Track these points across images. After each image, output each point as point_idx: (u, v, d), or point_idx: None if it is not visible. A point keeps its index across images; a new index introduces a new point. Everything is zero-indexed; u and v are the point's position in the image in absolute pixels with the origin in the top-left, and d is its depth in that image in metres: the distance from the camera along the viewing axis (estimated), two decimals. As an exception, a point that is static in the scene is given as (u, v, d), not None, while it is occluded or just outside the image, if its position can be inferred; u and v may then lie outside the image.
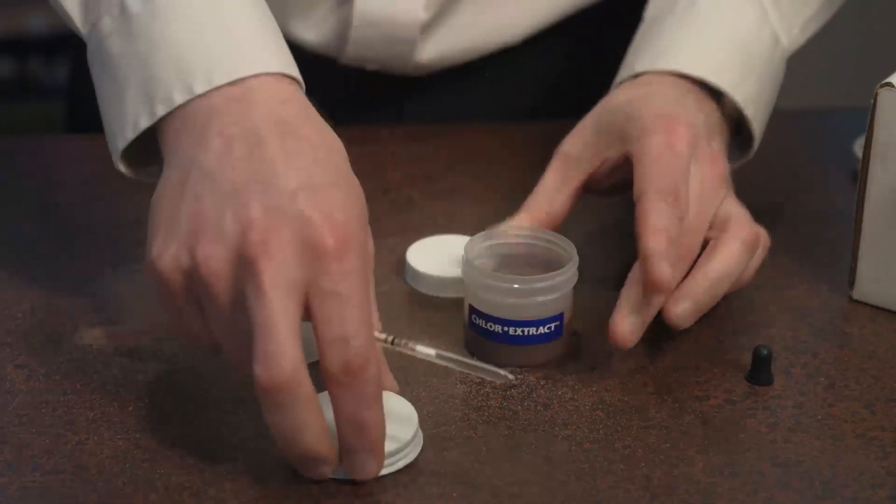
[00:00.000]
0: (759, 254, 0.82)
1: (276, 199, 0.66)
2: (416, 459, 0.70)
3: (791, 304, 0.85)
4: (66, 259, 0.87)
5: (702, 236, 0.80)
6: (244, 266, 0.65)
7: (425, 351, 0.70)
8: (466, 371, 0.72)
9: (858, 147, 0.94)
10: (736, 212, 0.81)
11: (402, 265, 0.87)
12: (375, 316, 0.71)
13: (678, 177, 0.79)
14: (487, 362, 0.78)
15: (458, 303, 0.81)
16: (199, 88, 0.70)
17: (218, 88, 0.69)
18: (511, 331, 0.77)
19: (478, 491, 0.69)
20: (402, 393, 0.73)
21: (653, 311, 0.77)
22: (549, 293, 0.77)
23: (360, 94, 1.05)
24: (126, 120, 0.72)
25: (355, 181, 0.69)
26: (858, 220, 0.84)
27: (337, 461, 0.67)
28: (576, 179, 0.84)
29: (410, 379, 0.76)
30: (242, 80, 0.70)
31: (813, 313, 0.84)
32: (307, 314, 0.65)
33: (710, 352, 0.80)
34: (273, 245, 0.64)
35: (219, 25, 0.71)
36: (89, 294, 0.83)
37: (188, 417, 0.73)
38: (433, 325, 0.81)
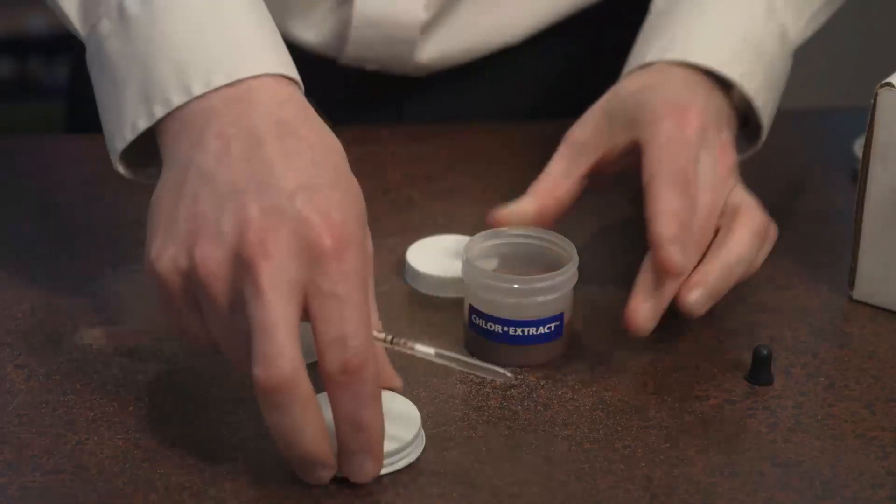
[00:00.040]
0: (768, 244, 0.82)
1: (274, 200, 0.66)
2: (416, 459, 0.70)
3: (791, 304, 0.85)
4: (66, 259, 0.87)
5: (714, 224, 0.80)
6: (242, 267, 0.65)
7: (424, 350, 0.70)
8: (466, 370, 0.72)
9: (858, 147, 0.94)
10: (746, 200, 0.81)
11: (402, 265, 0.87)
12: (375, 316, 0.71)
13: (688, 163, 0.79)
14: (487, 362, 0.78)
15: (458, 303, 0.81)
16: (198, 90, 0.70)
17: (216, 90, 0.69)
18: (511, 331, 0.77)
19: (478, 491, 0.69)
20: (402, 393, 0.73)
21: (668, 297, 0.77)
22: (549, 293, 0.77)
23: (359, 94, 1.05)
24: (125, 121, 0.72)
25: (354, 181, 0.69)
26: (858, 220, 0.84)
27: (336, 465, 0.67)
28: (583, 165, 0.84)
29: (410, 379, 0.76)
30: (241, 81, 0.70)
31: (813, 313, 0.84)
32: (306, 315, 0.65)
33: (710, 352, 0.80)
34: (271, 245, 0.64)
35: (217, 27, 0.71)
36: (89, 294, 0.83)
37: (188, 417, 0.73)
38: (433, 325, 0.81)
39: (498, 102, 1.07)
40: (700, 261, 0.79)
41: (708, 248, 0.80)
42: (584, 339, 0.81)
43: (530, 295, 0.77)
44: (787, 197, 0.98)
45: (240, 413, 0.73)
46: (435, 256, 0.86)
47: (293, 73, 0.72)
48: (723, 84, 0.86)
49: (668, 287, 0.77)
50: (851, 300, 0.85)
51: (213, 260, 0.65)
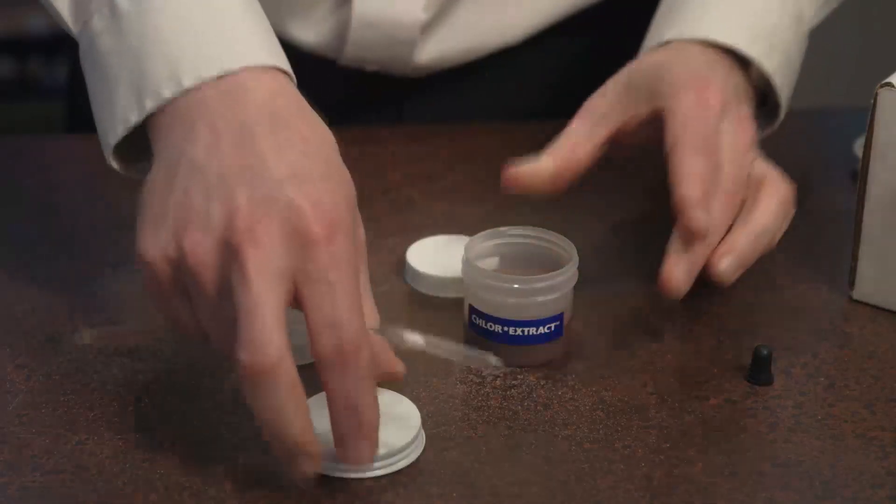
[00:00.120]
0: (789, 216, 0.83)
1: (263, 188, 0.66)
2: (416, 459, 0.70)
3: (791, 304, 0.85)
4: (66, 259, 0.87)
5: (741, 193, 0.81)
6: (230, 254, 0.65)
7: (413, 338, 0.70)
8: (455, 358, 0.72)
9: (858, 147, 0.94)
10: (770, 171, 0.83)
11: (402, 265, 0.87)
12: (370, 303, 0.71)
13: (710, 132, 0.80)
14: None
15: (458, 303, 0.81)
16: (188, 82, 0.69)
17: (207, 82, 0.69)
18: (511, 331, 0.77)
19: (478, 491, 0.69)
20: (402, 393, 0.73)
21: (699, 260, 0.78)
22: (549, 293, 0.77)
23: (359, 94, 1.05)
24: (116, 116, 0.72)
25: (345, 172, 0.69)
26: (858, 220, 0.84)
27: (320, 458, 0.67)
28: (603, 132, 0.84)
29: (410, 379, 0.76)
30: (232, 73, 0.70)
31: (813, 313, 0.84)
32: (297, 304, 0.65)
33: (710, 352, 0.80)
34: (259, 232, 0.64)
35: (208, 20, 0.71)
36: (89, 294, 0.83)
37: (188, 417, 0.73)
38: (433, 325, 0.81)
39: (498, 102, 1.07)
40: (728, 230, 0.80)
41: (736, 217, 0.81)
42: (584, 339, 0.81)
43: (530, 295, 0.77)
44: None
45: (240, 413, 0.73)
46: (435, 256, 0.86)
47: (285, 65, 0.72)
48: (741, 63, 0.86)
49: (698, 250, 0.78)
50: (851, 300, 0.85)
51: (201, 248, 0.65)
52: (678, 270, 0.78)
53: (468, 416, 0.74)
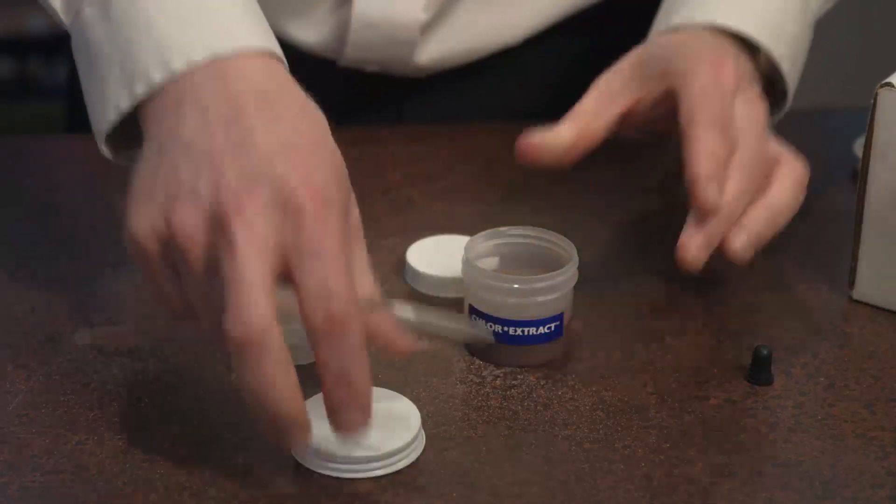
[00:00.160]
0: (802, 197, 0.83)
1: (251, 162, 0.66)
2: (416, 459, 0.70)
3: (791, 304, 0.85)
4: (66, 259, 0.87)
5: (758, 171, 0.81)
6: (218, 227, 0.64)
7: (403, 311, 0.69)
8: (445, 332, 0.71)
9: (858, 147, 0.94)
10: (784, 151, 0.83)
11: (402, 265, 0.86)
12: (370, 279, 0.70)
13: (725, 109, 0.80)
14: (487, 362, 0.78)
15: (458, 303, 0.81)
16: (178, 65, 0.69)
17: (197, 66, 0.69)
18: (511, 331, 0.77)
19: (478, 491, 0.69)
20: (402, 393, 0.73)
21: (716, 234, 0.79)
22: (549, 293, 0.77)
23: (359, 95, 1.05)
24: (108, 103, 0.72)
25: (335, 149, 0.69)
26: (858, 220, 0.84)
27: (310, 426, 0.66)
28: (616, 108, 0.84)
29: (410, 379, 0.76)
30: (222, 56, 0.70)
31: (813, 313, 0.84)
32: (288, 281, 0.65)
33: (710, 352, 0.80)
34: (247, 206, 0.64)
35: (198, 5, 0.71)
36: (89, 294, 0.83)
37: (188, 417, 0.73)
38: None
39: (498, 103, 1.07)
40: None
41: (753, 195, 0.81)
42: (584, 339, 0.81)
43: (530, 295, 0.77)
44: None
45: (240, 413, 0.73)
46: (435, 256, 0.86)
47: (275, 48, 0.72)
48: (749, 49, 0.86)
49: (714, 225, 0.78)
50: (851, 300, 0.85)
51: (189, 222, 0.65)
52: (693, 243, 0.78)
53: (468, 416, 0.74)
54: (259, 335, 0.63)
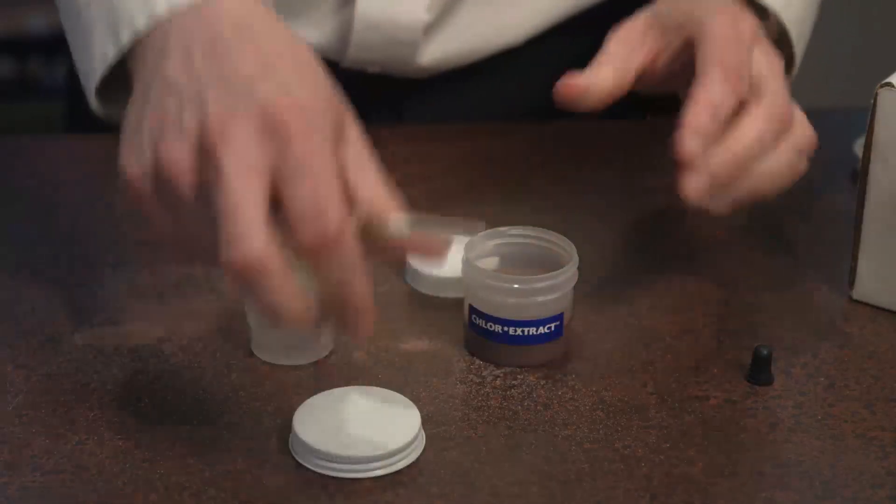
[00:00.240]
0: (795, 138, 0.81)
1: (233, 89, 0.65)
2: (416, 459, 0.70)
3: (791, 304, 0.85)
4: (66, 259, 0.87)
5: (784, 118, 0.79)
6: (205, 157, 0.64)
7: (397, 223, 0.68)
8: (439, 230, 0.70)
9: (858, 147, 0.94)
10: (799, 112, 0.81)
11: (402, 265, 0.86)
12: (385, 192, 0.69)
13: (742, 59, 0.79)
14: (487, 362, 0.78)
15: (458, 303, 0.81)
16: (161, 10, 0.69)
17: (180, 9, 0.69)
18: (511, 331, 0.77)
19: (478, 491, 0.69)
20: (402, 393, 0.73)
21: (724, 173, 0.77)
22: (549, 293, 0.77)
23: (360, 95, 1.05)
24: (95, 56, 0.72)
25: (319, 67, 0.69)
26: (858, 220, 0.84)
27: (317, 321, 0.66)
28: (639, 58, 0.83)
29: (410, 379, 0.76)
30: None
31: (813, 313, 0.84)
32: (279, 207, 0.64)
33: (710, 352, 0.80)
34: (231, 131, 0.64)
35: None
36: (89, 294, 0.83)
37: (188, 417, 0.73)
38: (433, 325, 0.81)
39: (499, 103, 1.07)
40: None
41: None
42: (584, 339, 0.81)
43: (530, 295, 0.77)
44: (787, 197, 0.98)
45: (240, 413, 0.73)
46: (435, 256, 0.86)
47: None
48: (757, 14, 0.85)
49: (721, 164, 0.76)
50: (851, 300, 0.85)
51: (177, 155, 0.65)
52: (693, 183, 0.76)
53: (468, 416, 0.74)
54: (258, 262, 0.62)
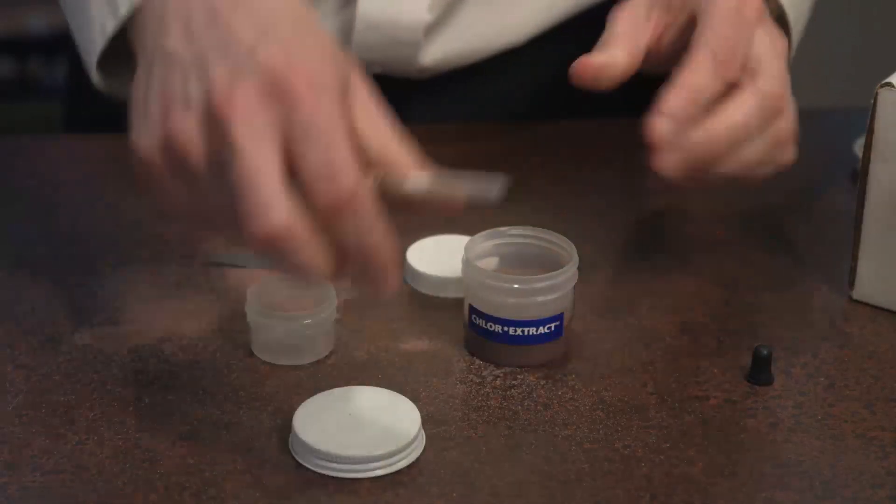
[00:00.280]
0: (774, 134, 0.80)
1: (235, 57, 0.65)
2: (416, 459, 0.70)
3: (791, 304, 0.85)
4: (66, 259, 0.87)
5: (776, 102, 0.78)
6: (215, 129, 0.64)
7: (417, 180, 0.67)
8: (461, 191, 0.69)
9: (858, 147, 0.94)
10: (791, 105, 0.80)
11: (402, 265, 0.86)
12: (403, 149, 0.69)
13: (740, 41, 0.78)
14: (487, 362, 0.78)
15: (458, 303, 0.81)
16: None
17: None
18: (511, 331, 0.77)
19: (478, 491, 0.69)
20: (402, 393, 0.73)
21: (699, 157, 0.76)
22: (549, 293, 0.77)
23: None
24: (94, 29, 0.72)
25: (320, 28, 0.68)
26: (858, 220, 0.84)
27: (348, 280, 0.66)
28: (646, 36, 0.82)
29: (410, 379, 0.76)
30: None
31: (813, 313, 0.84)
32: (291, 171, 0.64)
33: (710, 352, 0.80)
34: (238, 99, 0.64)
35: None
36: (89, 294, 0.83)
37: (188, 417, 0.73)
38: (433, 325, 0.81)
39: (499, 103, 1.07)
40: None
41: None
42: (584, 339, 0.81)
43: (530, 295, 0.77)
44: (787, 197, 0.98)
45: (240, 413, 0.73)
46: (435, 256, 0.86)
47: None
48: None
49: (700, 145, 0.76)
50: (851, 300, 0.85)
51: (185, 127, 0.65)
52: (669, 159, 0.76)
53: (468, 416, 0.74)
54: (283, 231, 0.62)
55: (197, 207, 0.67)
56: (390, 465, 0.69)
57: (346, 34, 0.99)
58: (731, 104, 0.78)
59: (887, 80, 0.80)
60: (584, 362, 0.79)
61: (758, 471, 0.71)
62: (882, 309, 0.84)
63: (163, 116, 0.66)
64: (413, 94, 1.05)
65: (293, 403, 0.72)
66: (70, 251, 0.88)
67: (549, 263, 0.79)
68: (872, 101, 0.81)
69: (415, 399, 0.73)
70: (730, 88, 0.78)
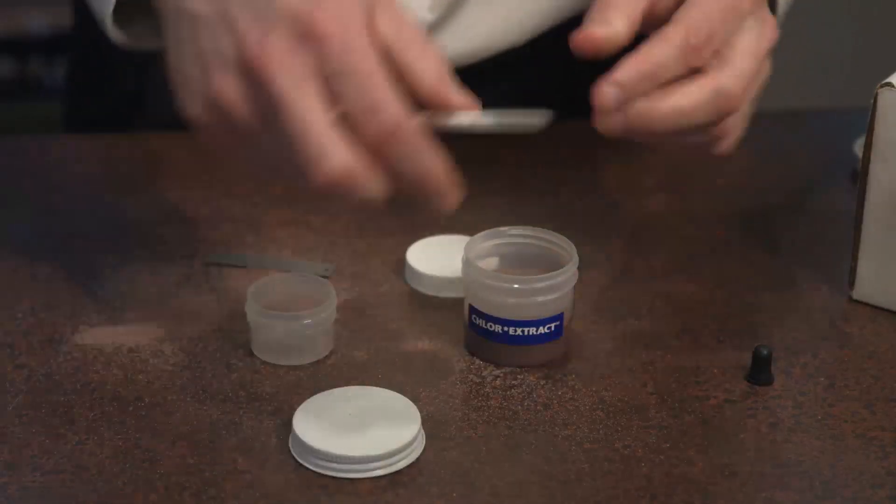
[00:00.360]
0: (739, 117, 0.79)
1: (258, 6, 0.66)
2: (416, 459, 0.70)
3: (791, 304, 0.85)
4: (66, 259, 0.87)
5: (735, 96, 0.77)
6: (255, 81, 0.65)
7: (462, 117, 0.69)
8: (504, 126, 0.70)
9: (858, 147, 0.94)
10: (748, 102, 0.79)
11: (402, 265, 0.86)
12: (451, 86, 0.70)
13: (721, 29, 0.77)
14: (487, 362, 0.78)
15: (458, 303, 0.81)
16: None
17: None
18: (511, 331, 0.77)
19: (478, 491, 0.69)
20: (402, 393, 0.73)
21: (642, 125, 0.76)
22: (549, 293, 0.77)
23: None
24: None
25: None
26: (858, 220, 0.84)
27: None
28: (637, 7, 0.81)
29: (410, 379, 0.76)
30: None
31: (813, 313, 0.84)
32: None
33: (710, 352, 0.80)
34: (271, 48, 0.64)
35: None
36: (89, 294, 0.83)
37: (188, 417, 0.73)
38: (433, 325, 0.81)
39: (500, 103, 1.07)
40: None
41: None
42: (584, 339, 0.81)
43: (530, 295, 0.77)
44: (787, 197, 0.98)
45: (240, 413, 0.73)
46: (435, 256, 0.86)
47: None
48: None
49: (647, 118, 0.75)
50: (851, 300, 0.85)
51: (226, 85, 0.66)
52: (614, 119, 0.76)
53: (468, 416, 0.74)
54: (345, 175, 0.63)
55: (261, 160, 0.68)
56: (390, 465, 0.69)
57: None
58: (685, 89, 0.77)
59: (887, 80, 0.80)
60: (584, 362, 0.79)
61: (758, 471, 0.71)
62: (882, 309, 0.84)
63: (202, 79, 0.67)
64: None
65: (293, 403, 0.72)
66: (70, 251, 0.88)
67: (549, 263, 0.79)
68: (872, 101, 0.81)
69: (415, 399, 0.73)
70: (693, 71, 0.78)
